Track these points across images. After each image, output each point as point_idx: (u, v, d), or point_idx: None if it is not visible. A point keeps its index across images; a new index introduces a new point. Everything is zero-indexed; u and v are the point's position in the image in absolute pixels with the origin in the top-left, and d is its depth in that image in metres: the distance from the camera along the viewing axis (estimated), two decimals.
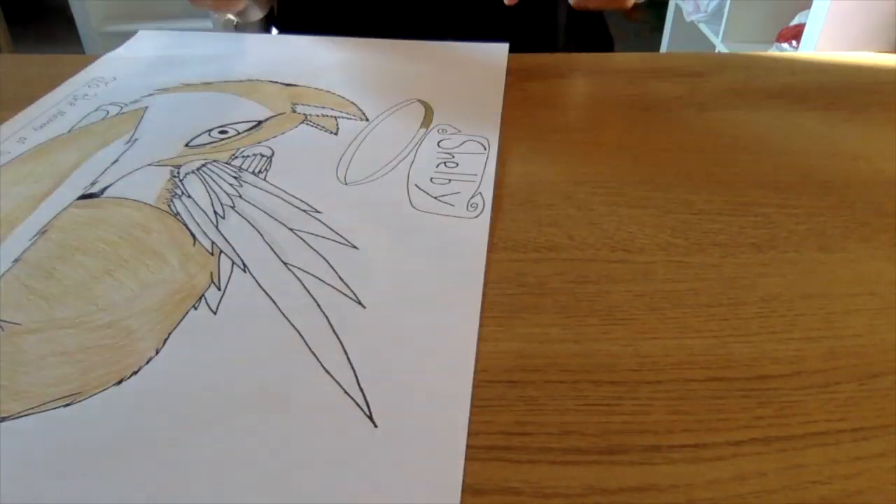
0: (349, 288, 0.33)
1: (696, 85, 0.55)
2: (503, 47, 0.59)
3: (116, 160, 0.42)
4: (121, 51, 0.60)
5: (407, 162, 0.43)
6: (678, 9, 1.99)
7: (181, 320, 0.31)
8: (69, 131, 0.46)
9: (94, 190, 0.39)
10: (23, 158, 0.42)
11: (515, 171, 0.42)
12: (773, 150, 0.45)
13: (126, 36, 0.63)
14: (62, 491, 0.23)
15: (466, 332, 0.30)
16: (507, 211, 0.38)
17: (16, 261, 0.34)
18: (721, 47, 1.72)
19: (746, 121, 0.49)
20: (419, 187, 0.41)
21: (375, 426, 0.26)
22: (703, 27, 1.82)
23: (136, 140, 0.44)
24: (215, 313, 0.31)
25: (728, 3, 1.67)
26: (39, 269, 0.33)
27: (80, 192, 0.39)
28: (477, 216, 0.38)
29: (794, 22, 1.58)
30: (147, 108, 0.49)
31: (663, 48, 2.14)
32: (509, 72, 0.56)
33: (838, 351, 0.29)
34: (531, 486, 0.24)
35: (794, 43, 1.54)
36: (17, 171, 0.40)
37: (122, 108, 0.49)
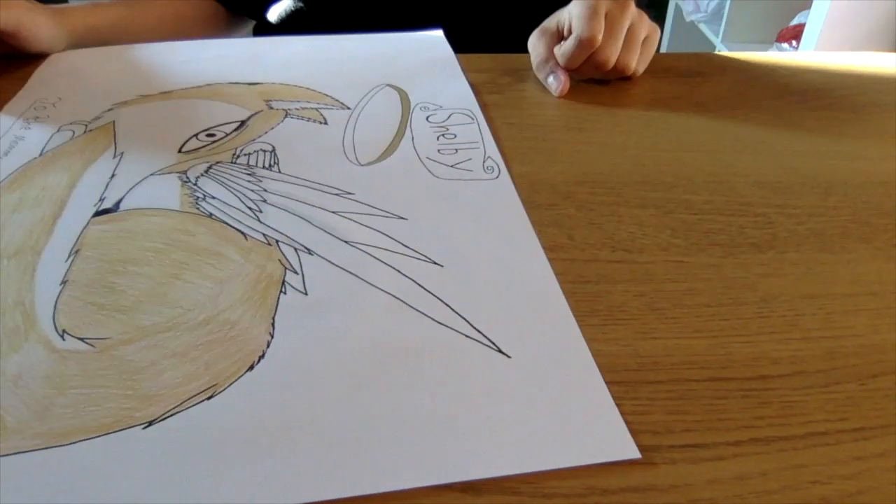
0: (418, 253, 0.34)
1: (696, 85, 0.55)
2: (437, 33, 0.62)
3: (114, 175, 0.41)
4: (43, 72, 0.56)
5: (407, 139, 0.45)
6: (678, 9, 1.99)
7: (277, 306, 0.31)
8: (41, 154, 0.44)
9: (108, 206, 0.38)
10: (5, 186, 0.40)
11: (515, 172, 0.42)
12: (773, 150, 0.45)
13: None
14: (236, 472, 0.24)
15: (541, 267, 0.34)
16: None
17: (64, 283, 0.33)
18: (721, 47, 1.72)
19: (746, 121, 0.49)
20: (432, 159, 0.43)
21: (509, 357, 0.28)
22: (703, 27, 1.82)
23: (122, 154, 0.44)
24: (306, 294, 0.32)
25: (728, 3, 1.67)
26: (95, 286, 0.32)
27: (91, 210, 0.38)
28: (497, 177, 0.41)
29: (794, 22, 1.58)
30: (115, 122, 0.48)
31: (663, 48, 2.14)
32: (509, 72, 0.56)
33: (838, 351, 0.29)
34: (531, 486, 0.24)
35: (794, 43, 1.54)
36: (7, 199, 0.39)
37: (86, 125, 0.47)
